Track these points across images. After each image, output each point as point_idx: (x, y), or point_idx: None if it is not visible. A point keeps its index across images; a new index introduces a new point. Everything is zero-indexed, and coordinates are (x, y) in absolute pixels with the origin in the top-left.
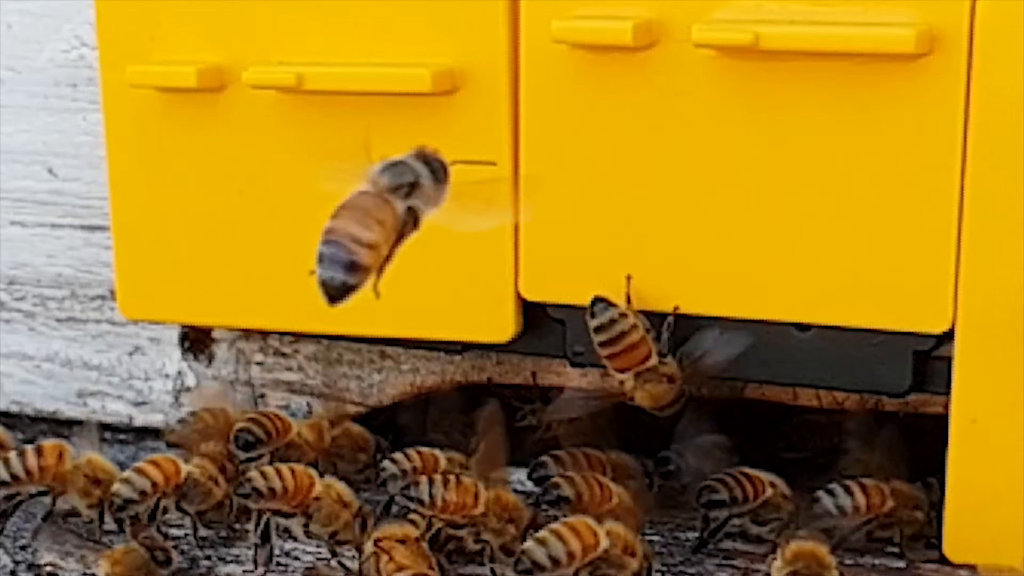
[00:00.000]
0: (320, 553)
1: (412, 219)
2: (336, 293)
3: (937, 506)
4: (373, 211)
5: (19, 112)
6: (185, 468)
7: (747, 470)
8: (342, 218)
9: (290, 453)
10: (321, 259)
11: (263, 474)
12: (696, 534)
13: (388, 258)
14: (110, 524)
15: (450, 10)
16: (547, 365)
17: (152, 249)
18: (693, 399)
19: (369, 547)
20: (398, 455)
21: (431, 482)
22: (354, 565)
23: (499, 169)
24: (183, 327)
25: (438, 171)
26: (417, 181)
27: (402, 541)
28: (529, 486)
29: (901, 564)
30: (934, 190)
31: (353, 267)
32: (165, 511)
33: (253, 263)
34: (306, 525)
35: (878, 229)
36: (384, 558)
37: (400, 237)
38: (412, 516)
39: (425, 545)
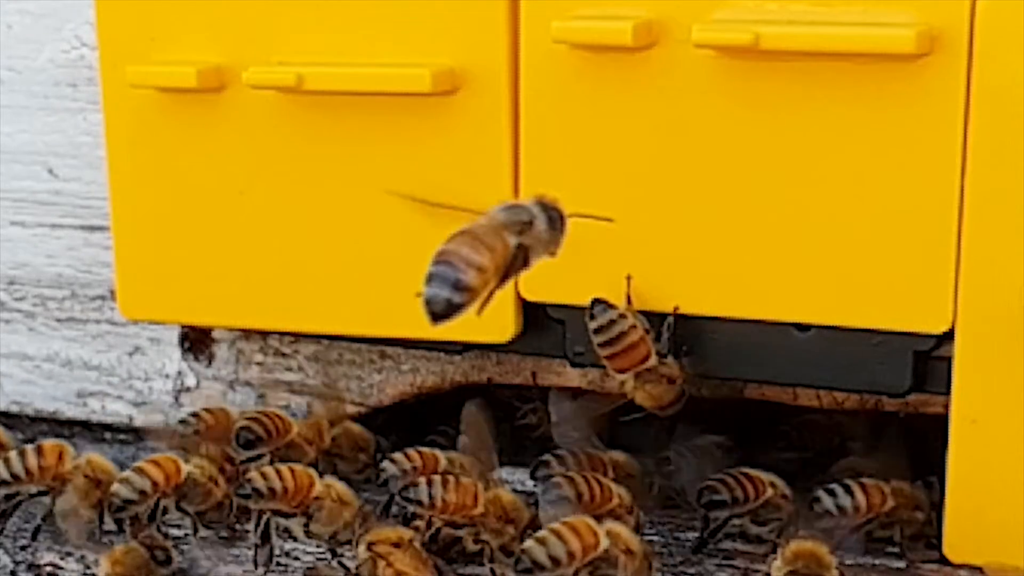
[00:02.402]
0: (320, 553)
1: (522, 255)
2: (440, 311)
3: (937, 506)
4: (484, 238)
5: (19, 112)
6: (185, 468)
7: (747, 470)
8: (454, 242)
9: (290, 453)
10: (430, 279)
11: (263, 474)
12: (696, 534)
13: (494, 288)
14: (110, 524)
15: (450, 10)
16: (547, 365)
17: (152, 249)
18: (693, 399)
19: (363, 551)
20: (398, 455)
21: (430, 483)
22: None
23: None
24: (183, 327)
25: (555, 218)
26: (531, 221)
27: (397, 544)
28: (529, 486)
29: (901, 564)
30: (934, 190)
31: (459, 286)
32: (165, 511)
33: (253, 263)
34: (306, 525)
35: (878, 229)
36: (382, 564)
37: (508, 271)
38: (417, 523)
39: (419, 547)
